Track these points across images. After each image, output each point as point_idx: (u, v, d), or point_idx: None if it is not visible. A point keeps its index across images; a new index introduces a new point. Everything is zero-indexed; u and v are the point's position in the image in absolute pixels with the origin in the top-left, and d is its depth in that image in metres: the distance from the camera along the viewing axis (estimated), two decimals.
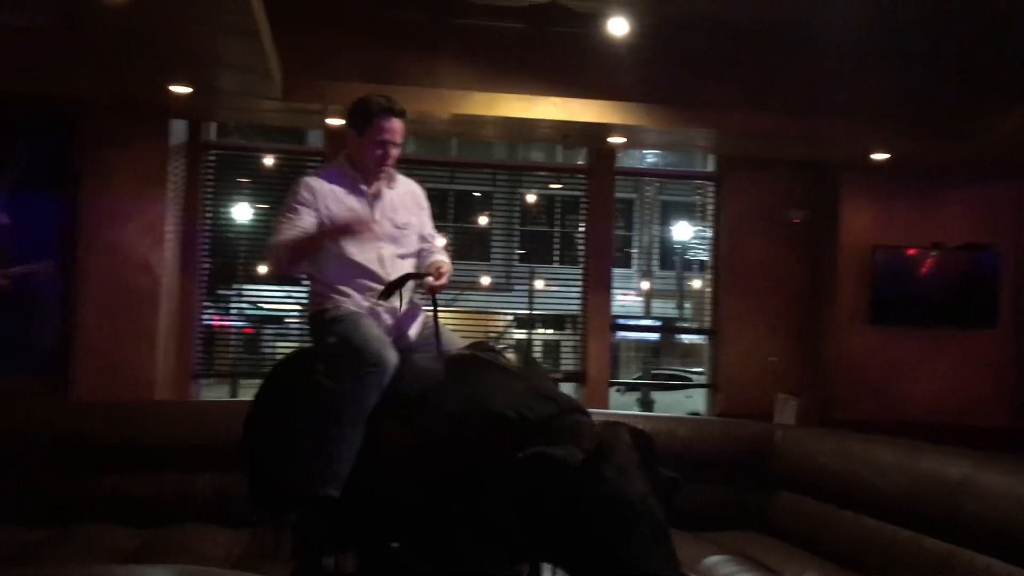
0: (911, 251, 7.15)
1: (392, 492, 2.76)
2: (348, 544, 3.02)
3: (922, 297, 7.13)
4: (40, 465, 4.39)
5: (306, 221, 3.09)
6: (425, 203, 3.40)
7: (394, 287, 3.06)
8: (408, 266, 3.23)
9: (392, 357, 2.93)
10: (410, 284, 3.16)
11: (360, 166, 3.23)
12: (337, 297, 3.12)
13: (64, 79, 5.45)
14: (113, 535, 4.06)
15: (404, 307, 3.12)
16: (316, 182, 3.17)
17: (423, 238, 3.37)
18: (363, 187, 3.21)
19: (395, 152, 3.21)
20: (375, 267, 3.15)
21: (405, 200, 3.30)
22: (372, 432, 2.86)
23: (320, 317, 3.15)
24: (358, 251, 3.12)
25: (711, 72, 6.19)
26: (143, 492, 4.43)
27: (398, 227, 3.23)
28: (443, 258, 3.30)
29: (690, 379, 14.99)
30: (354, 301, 3.11)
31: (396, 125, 3.19)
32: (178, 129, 6.35)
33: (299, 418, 3.05)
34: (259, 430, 3.27)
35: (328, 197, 3.14)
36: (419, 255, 3.33)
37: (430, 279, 3.15)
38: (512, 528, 2.47)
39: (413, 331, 3.18)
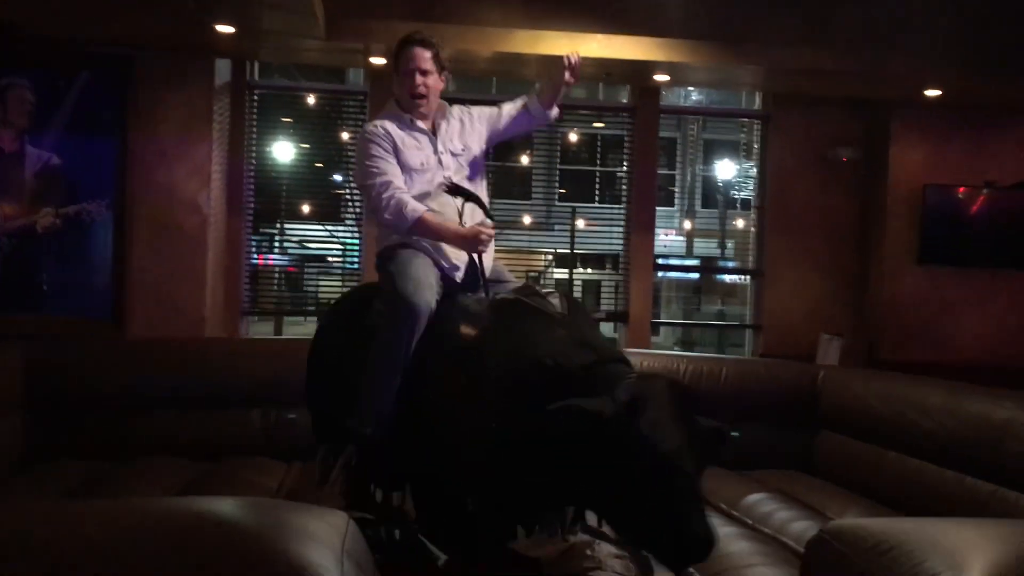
0: (962, 190, 7.01)
1: (440, 436, 2.81)
2: (400, 481, 3.09)
3: (973, 237, 7.02)
4: (98, 403, 4.53)
5: (395, 170, 3.13)
6: (474, 113, 3.38)
7: (462, 194, 3.12)
8: (474, 189, 3.26)
9: (425, 303, 2.91)
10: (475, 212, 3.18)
11: (406, 105, 3.24)
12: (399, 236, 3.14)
13: (113, 20, 5.49)
14: (170, 468, 4.19)
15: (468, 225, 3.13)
16: (381, 129, 3.17)
17: (497, 113, 3.40)
18: (420, 124, 3.22)
19: (425, 80, 3.18)
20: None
21: (457, 126, 3.31)
22: (422, 374, 2.89)
23: (383, 253, 3.19)
24: (426, 186, 3.16)
25: (759, 8, 6.05)
26: (197, 427, 4.56)
27: (457, 154, 3.25)
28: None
29: None
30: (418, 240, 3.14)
31: (418, 52, 3.18)
32: (223, 69, 6.38)
33: (349, 355, 3.11)
34: (316, 364, 3.34)
35: (397, 141, 3.16)
36: (508, 116, 3.39)
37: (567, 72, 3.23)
38: (552, 477, 2.51)
39: (487, 262, 3.18)
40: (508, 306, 2.84)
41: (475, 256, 3.09)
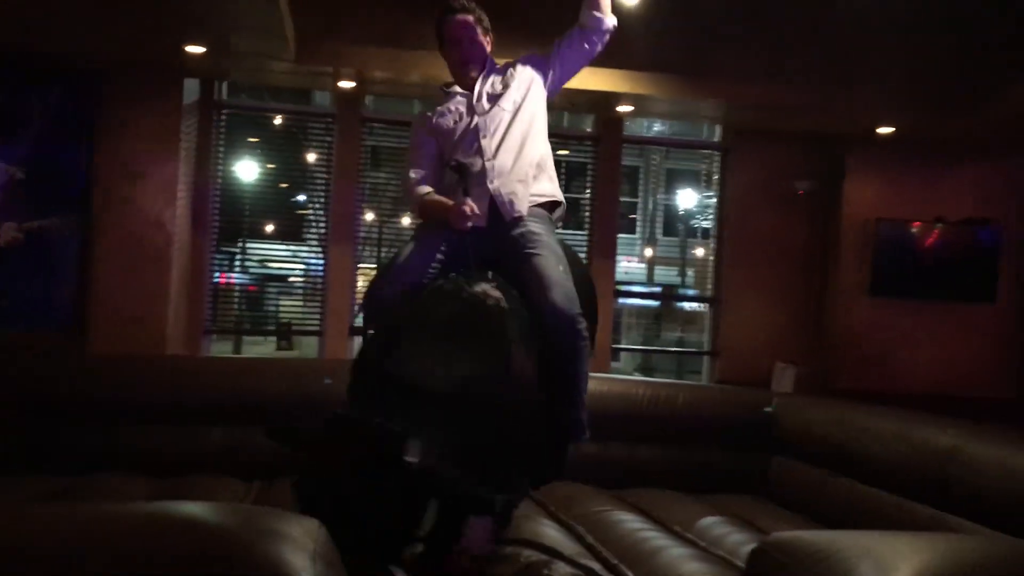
0: (914, 224, 7.22)
1: None
2: None
3: (923, 270, 7.23)
4: (57, 418, 4.51)
5: (425, 155, 3.18)
6: (519, 61, 3.28)
7: (459, 171, 3.03)
8: (514, 138, 3.13)
9: (383, 296, 2.94)
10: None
11: (456, 75, 3.24)
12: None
13: (82, 37, 5.50)
14: (129, 484, 4.18)
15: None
16: (418, 116, 3.29)
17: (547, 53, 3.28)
18: (458, 88, 3.22)
19: (471, 48, 3.16)
20: (476, 166, 3.08)
21: (498, 75, 3.24)
22: None
23: None
24: (461, 142, 3.13)
25: (720, 43, 6.21)
26: (158, 445, 4.54)
27: (496, 95, 3.17)
28: None
29: None
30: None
31: (460, 20, 3.16)
32: (191, 88, 6.41)
33: None
34: None
35: (432, 116, 3.21)
36: (559, 44, 3.30)
37: None
38: None
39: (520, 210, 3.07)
40: (423, 302, 2.79)
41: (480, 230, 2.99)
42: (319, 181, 7.44)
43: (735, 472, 4.82)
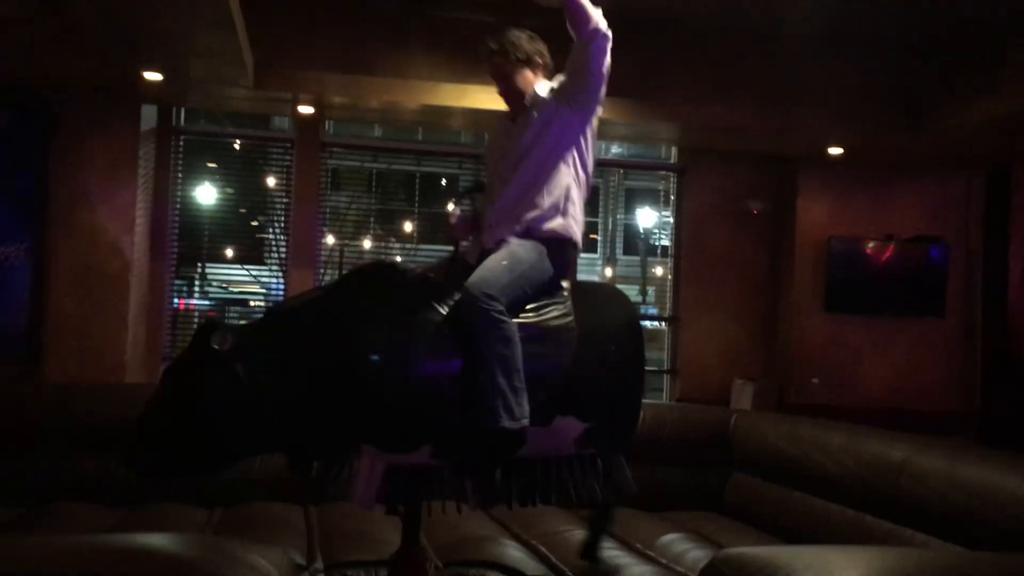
0: (865, 242, 7.38)
1: None
2: None
3: (875, 287, 7.38)
4: (14, 447, 4.45)
5: (488, 178, 3.32)
6: (553, 93, 3.17)
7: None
8: (523, 180, 3.11)
9: None
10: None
11: None
12: None
13: (39, 62, 5.47)
14: (89, 513, 4.14)
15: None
16: (489, 140, 3.52)
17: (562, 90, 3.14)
18: (509, 121, 3.25)
19: (507, 85, 3.18)
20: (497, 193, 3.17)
21: (539, 103, 3.18)
22: None
23: None
24: (493, 179, 3.23)
25: (674, 67, 6.34)
26: (117, 473, 4.50)
27: (520, 134, 3.15)
28: None
29: None
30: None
31: (492, 65, 3.20)
32: (148, 114, 6.39)
33: None
34: None
35: (496, 143, 3.32)
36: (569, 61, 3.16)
37: None
38: None
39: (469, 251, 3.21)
40: (350, 278, 3.03)
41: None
42: (279, 205, 7.43)
43: (695, 489, 4.88)
